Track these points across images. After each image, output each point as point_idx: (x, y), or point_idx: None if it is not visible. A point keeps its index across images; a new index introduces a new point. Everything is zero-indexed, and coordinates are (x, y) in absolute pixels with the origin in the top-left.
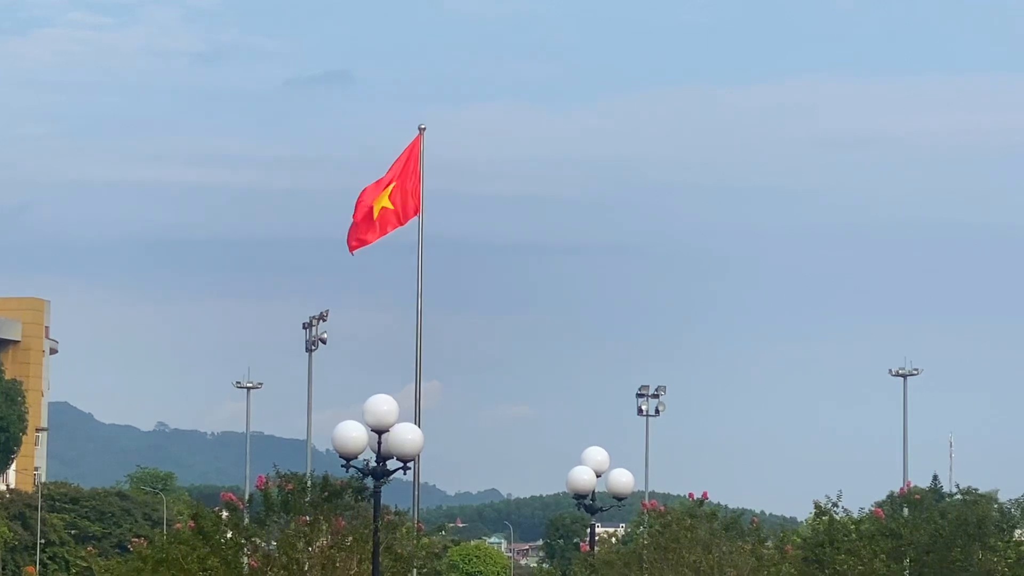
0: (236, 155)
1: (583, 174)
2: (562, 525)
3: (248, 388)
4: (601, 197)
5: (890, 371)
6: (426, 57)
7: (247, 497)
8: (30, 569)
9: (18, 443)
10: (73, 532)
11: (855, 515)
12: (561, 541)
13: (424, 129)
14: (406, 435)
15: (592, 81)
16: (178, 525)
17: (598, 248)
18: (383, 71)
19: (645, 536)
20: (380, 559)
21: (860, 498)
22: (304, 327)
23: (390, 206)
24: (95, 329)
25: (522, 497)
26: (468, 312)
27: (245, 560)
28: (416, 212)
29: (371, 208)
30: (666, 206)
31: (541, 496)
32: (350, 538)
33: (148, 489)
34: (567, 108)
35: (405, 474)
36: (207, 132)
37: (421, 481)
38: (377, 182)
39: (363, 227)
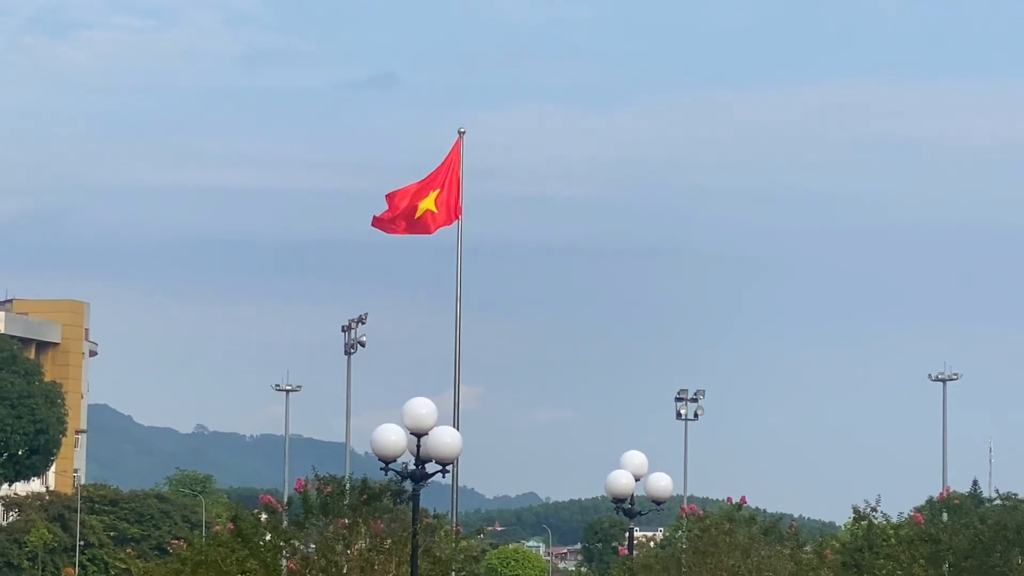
0: (278, 158)
1: (623, 177)
2: (600, 529)
3: (287, 391)
4: (641, 200)
5: (929, 376)
6: (467, 60)
7: (286, 500)
8: (69, 571)
9: (58, 445)
10: (112, 534)
11: (894, 520)
12: (599, 545)
13: (464, 133)
14: (445, 438)
15: (632, 84)
16: (217, 527)
17: (638, 251)
18: (426, 75)
19: (683, 540)
20: (419, 562)
21: (899, 503)
22: (343, 330)
23: (435, 210)
24: (135, 332)
25: (560, 501)
26: (507, 316)
27: (284, 563)
28: (457, 216)
29: (415, 207)
30: (705, 209)
31: (579, 500)
32: (389, 541)
33: (187, 491)
34: (607, 111)
35: (444, 477)
36: (249, 135)
37: (459, 484)
38: (423, 183)
39: (400, 217)
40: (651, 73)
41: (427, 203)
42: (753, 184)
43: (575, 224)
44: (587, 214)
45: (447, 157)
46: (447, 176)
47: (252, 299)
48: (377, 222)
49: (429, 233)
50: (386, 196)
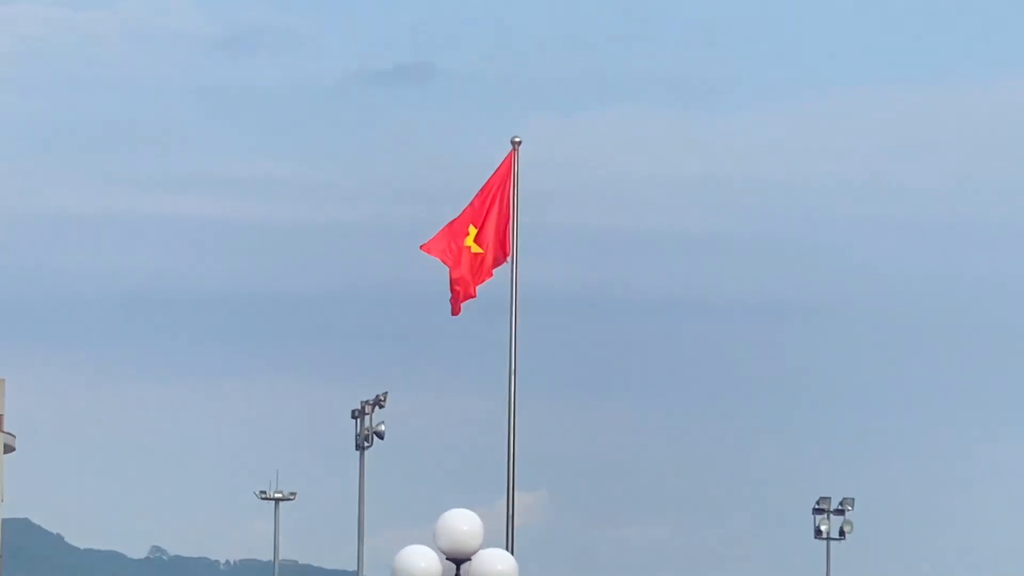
0: (266, 179)
1: (733, 203)
2: None
3: (277, 500)
4: (760, 235)
5: None
6: (526, 45)
7: None
8: None
9: None
10: None
11: None
12: None
13: (519, 143)
14: (495, 565)
15: (746, 80)
16: None
17: (761, 307)
18: (472, 64)
19: None
20: None
21: None
22: (354, 416)
23: (479, 249)
24: (65, 419)
25: None
26: (578, 395)
27: None
28: (505, 256)
29: (466, 249)
30: (851, 249)
31: None
32: None
33: None
34: (716, 114)
35: None
36: (226, 148)
37: None
38: (466, 213)
39: (466, 273)
40: (779, 65)
41: (470, 241)
42: (917, 212)
43: (673, 269)
44: (689, 255)
45: (493, 176)
46: (492, 203)
47: (228, 374)
48: (462, 297)
49: (488, 277)
50: (444, 259)
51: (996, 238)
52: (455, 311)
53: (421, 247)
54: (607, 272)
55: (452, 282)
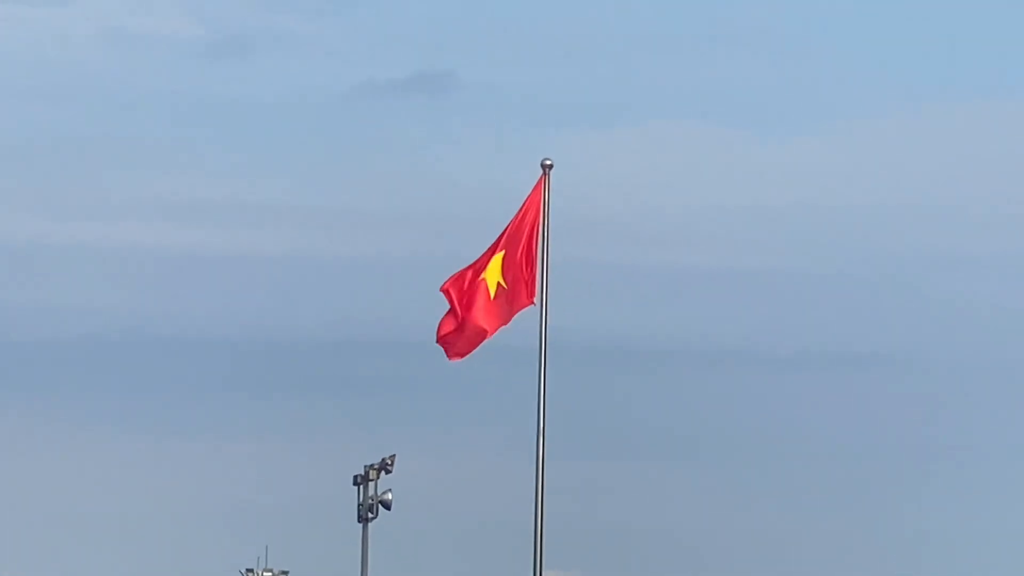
0: (257, 206)
1: (803, 235)
2: None
3: None
4: (832, 273)
5: None
6: (560, 52)
7: None
8: None
9: None
10: None
11: None
12: None
13: (551, 166)
14: None
15: (805, 96)
16: None
17: (830, 356)
18: (495, 74)
19: None
20: None
21: None
22: (356, 483)
23: (503, 283)
24: (11, 480)
25: None
26: (617, 459)
27: None
28: (531, 298)
29: (482, 283)
30: (948, 290)
31: None
32: None
33: None
34: (783, 132)
35: None
36: (212, 168)
37: None
38: (492, 250)
39: (475, 316)
40: (840, 79)
41: (493, 271)
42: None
43: (726, 311)
44: (744, 294)
45: (524, 204)
46: (522, 231)
47: (205, 431)
48: (463, 344)
49: (509, 319)
50: (451, 300)
51: None
52: (456, 356)
53: (441, 288)
54: (651, 317)
55: (461, 322)
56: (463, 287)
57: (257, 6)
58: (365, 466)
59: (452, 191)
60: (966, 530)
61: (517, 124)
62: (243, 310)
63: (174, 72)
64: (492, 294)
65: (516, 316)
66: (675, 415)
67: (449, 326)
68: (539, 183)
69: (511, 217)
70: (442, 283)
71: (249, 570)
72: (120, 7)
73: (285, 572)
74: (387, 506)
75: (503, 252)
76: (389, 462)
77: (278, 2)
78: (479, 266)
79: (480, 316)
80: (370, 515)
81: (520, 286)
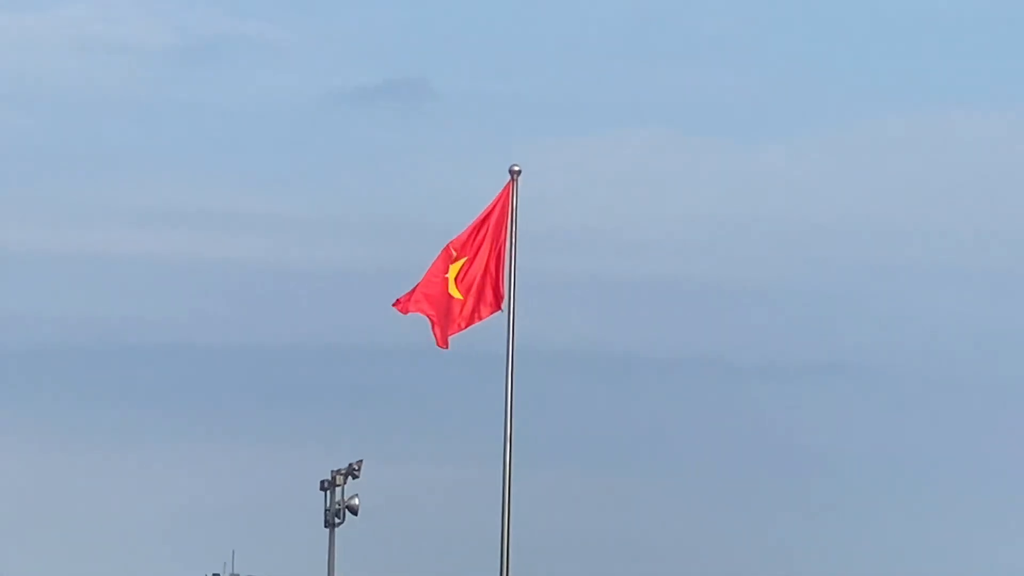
0: (225, 213)
1: (774, 246)
2: None
3: None
4: (796, 283)
5: None
6: (533, 60)
7: None
8: None
9: None
10: None
11: None
12: None
13: (519, 172)
14: None
15: (779, 104)
16: None
17: (795, 366)
18: (470, 81)
19: None
20: None
21: None
22: (323, 488)
23: (458, 295)
24: None
25: None
26: (584, 467)
27: None
28: (499, 304)
29: (444, 280)
30: (909, 302)
31: None
32: None
33: None
34: (743, 142)
35: None
36: (181, 175)
37: None
38: (449, 247)
39: (440, 315)
40: (815, 87)
41: (451, 279)
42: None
43: (699, 320)
44: (719, 305)
45: (488, 209)
46: (483, 241)
47: (174, 436)
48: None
49: (471, 324)
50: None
51: None
52: (443, 343)
53: (393, 305)
54: (618, 325)
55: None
56: (423, 296)
57: (226, 13)
58: (332, 471)
59: (422, 198)
60: (927, 538)
61: (488, 131)
62: (211, 318)
63: (143, 79)
64: (456, 296)
65: (483, 322)
66: (642, 423)
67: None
68: (506, 189)
69: (474, 220)
70: (397, 299)
71: (216, 575)
72: (90, 15)
73: None
74: (354, 511)
75: (463, 259)
76: (356, 467)
77: (247, 9)
78: (436, 268)
79: (443, 320)
80: (337, 520)
81: (484, 292)
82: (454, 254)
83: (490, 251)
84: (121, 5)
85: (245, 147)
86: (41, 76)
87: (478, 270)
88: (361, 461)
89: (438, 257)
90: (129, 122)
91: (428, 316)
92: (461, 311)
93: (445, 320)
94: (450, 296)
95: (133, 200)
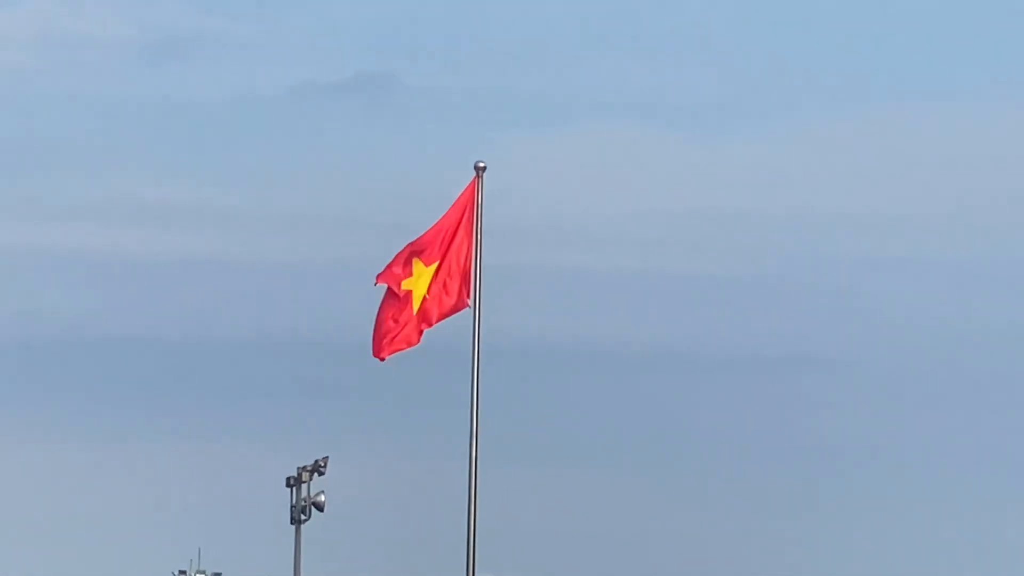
0: (188, 207)
1: (738, 239)
2: None
3: None
4: (767, 276)
5: None
6: (499, 54)
7: None
8: None
9: None
10: None
11: None
12: None
13: (484, 168)
14: None
15: (747, 98)
16: None
17: (765, 359)
18: (437, 76)
19: None
20: None
21: None
22: (289, 485)
23: (427, 295)
24: None
25: None
26: (552, 462)
27: None
28: (467, 301)
29: (408, 294)
30: (881, 294)
31: None
32: None
33: None
34: (710, 137)
35: None
36: (145, 172)
37: None
38: (421, 244)
39: (402, 324)
40: (785, 80)
41: (419, 287)
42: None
43: (664, 314)
44: (682, 298)
45: (453, 207)
46: (451, 239)
47: (140, 433)
48: (389, 347)
49: (439, 321)
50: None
51: None
52: (382, 353)
53: (378, 278)
54: (586, 320)
55: (385, 321)
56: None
57: (192, 8)
58: (298, 468)
59: (389, 193)
60: (899, 532)
61: (455, 126)
62: (176, 312)
63: (109, 75)
64: (415, 308)
65: (450, 319)
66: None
67: (385, 324)
68: (471, 185)
69: (439, 218)
70: (378, 277)
71: (182, 572)
72: (56, 10)
73: (218, 574)
74: (320, 508)
75: (436, 264)
76: (322, 464)
77: (214, 4)
78: (403, 274)
79: (404, 328)
80: (303, 517)
81: (453, 288)
82: (418, 267)
83: (458, 248)
84: (86, 0)
85: (210, 142)
86: (7, 71)
87: (447, 269)
88: (327, 457)
89: (384, 299)
90: (93, 117)
91: (407, 342)
92: (430, 310)
93: (407, 329)
94: (423, 301)
95: (95, 194)
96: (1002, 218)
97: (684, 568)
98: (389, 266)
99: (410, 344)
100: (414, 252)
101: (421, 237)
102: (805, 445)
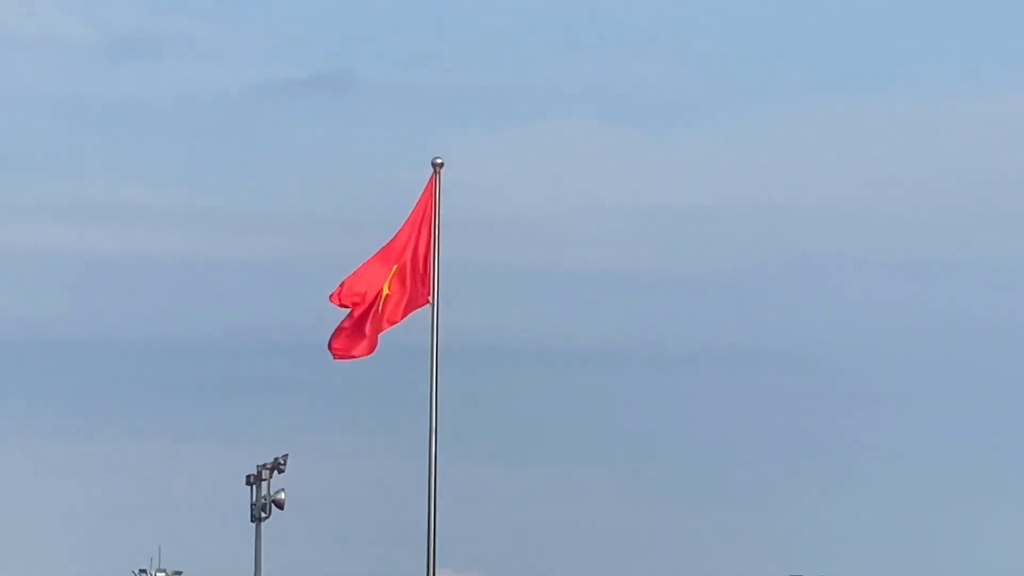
0: (147, 206)
1: (694, 237)
2: None
3: None
4: (726, 271)
5: None
6: (458, 52)
7: None
8: None
9: None
10: None
11: None
12: None
13: (442, 165)
14: None
15: (708, 91)
16: None
17: (724, 356)
18: (395, 73)
19: None
20: None
21: None
22: (249, 482)
23: (388, 291)
24: None
25: None
26: (514, 459)
27: None
28: (426, 298)
29: (378, 294)
30: (842, 286)
31: None
32: None
33: None
34: (666, 133)
35: None
36: (100, 170)
37: None
38: (385, 249)
39: (361, 323)
40: (746, 71)
41: (388, 283)
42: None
43: (621, 313)
44: (643, 298)
45: (417, 205)
46: (414, 236)
47: (99, 431)
48: (342, 344)
49: (399, 321)
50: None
51: (1014, 277)
52: (342, 354)
53: (330, 298)
54: (545, 317)
55: (351, 333)
56: (361, 293)
57: (148, 7)
58: (258, 466)
59: (350, 191)
60: (869, 528)
61: (413, 122)
62: (135, 312)
63: (64, 75)
64: (379, 307)
65: (410, 316)
66: (569, 414)
67: (344, 331)
68: (430, 183)
69: (406, 218)
70: (334, 290)
71: (142, 570)
72: (8, 10)
73: (179, 572)
74: (280, 506)
75: (395, 266)
76: (282, 462)
77: (169, 3)
78: (381, 267)
79: (367, 326)
80: (263, 515)
81: (415, 286)
82: (395, 268)
83: (416, 246)
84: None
85: (168, 142)
86: None
87: (407, 267)
88: (287, 455)
89: (377, 261)
90: (50, 117)
91: (351, 313)
92: (395, 307)
93: (360, 331)
94: (386, 299)
95: (54, 195)
96: (979, 212)
97: (647, 566)
98: (349, 285)
99: (361, 355)
100: (383, 260)
101: (388, 243)
102: (775, 439)
